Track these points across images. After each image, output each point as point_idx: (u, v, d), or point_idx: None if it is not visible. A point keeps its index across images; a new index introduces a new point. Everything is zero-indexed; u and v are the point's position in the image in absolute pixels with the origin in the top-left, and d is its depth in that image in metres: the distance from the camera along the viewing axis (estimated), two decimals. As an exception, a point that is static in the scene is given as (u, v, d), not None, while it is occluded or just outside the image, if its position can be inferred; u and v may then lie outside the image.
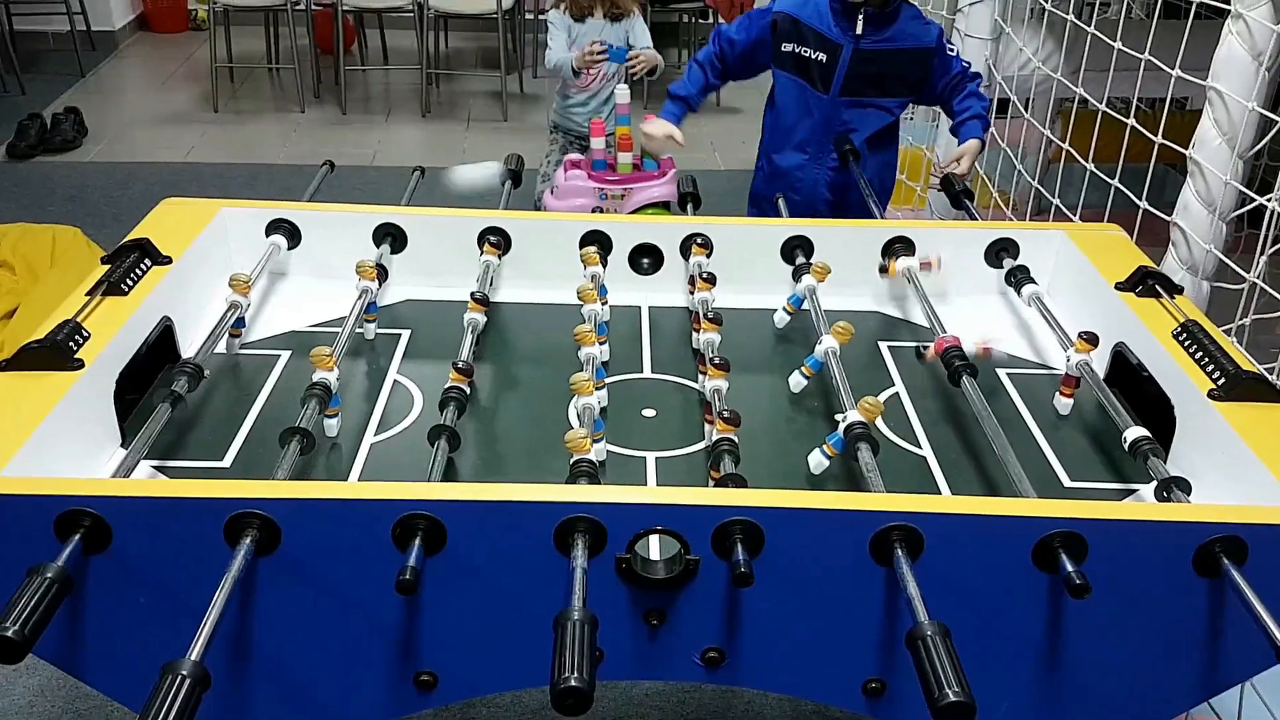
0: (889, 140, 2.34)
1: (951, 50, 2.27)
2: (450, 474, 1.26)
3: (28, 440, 1.13)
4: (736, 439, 1.24)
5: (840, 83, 2.19)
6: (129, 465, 1.18)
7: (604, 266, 1.66)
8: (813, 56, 2.19)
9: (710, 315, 1.49)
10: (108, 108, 5.23)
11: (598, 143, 3.37)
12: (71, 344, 1.27)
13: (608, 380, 1.48)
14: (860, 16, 2.13)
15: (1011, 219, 2.60)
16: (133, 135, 4.91)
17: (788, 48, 2.21)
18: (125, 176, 4.40)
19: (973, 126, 2.23)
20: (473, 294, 1.54)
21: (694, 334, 1.56)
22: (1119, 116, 2.09)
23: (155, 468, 1.28)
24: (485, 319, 1.54)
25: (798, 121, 2.26)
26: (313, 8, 5.39)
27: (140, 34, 6.44)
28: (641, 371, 1.55)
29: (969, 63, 2.32)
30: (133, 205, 3.96)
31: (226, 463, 1.31)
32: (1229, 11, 1.75)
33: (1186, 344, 1.39)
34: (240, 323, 1.52)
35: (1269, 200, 1.69)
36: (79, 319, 1.32)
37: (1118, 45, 2.08)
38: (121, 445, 1.31)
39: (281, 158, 4.68)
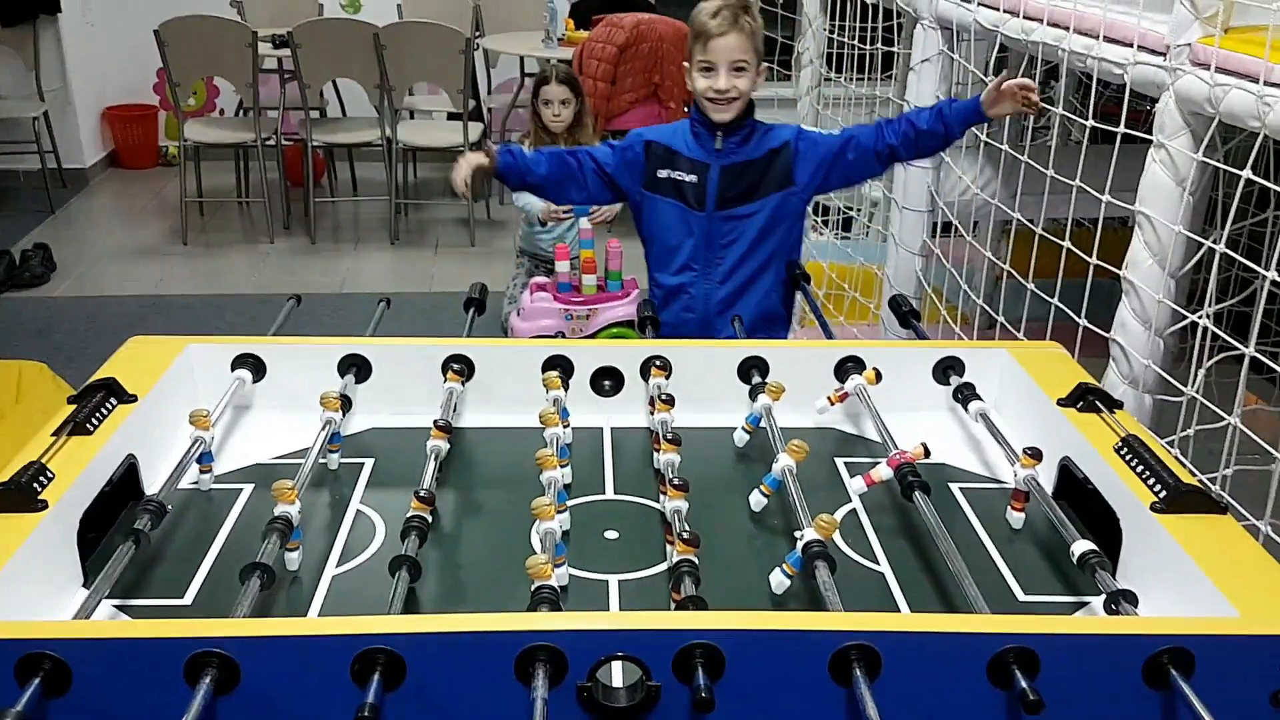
0: (784, 240, 2.36)
1: (817, 131, 2.36)
2: (411, 604, 1.27)
3: (-11, 583, 1.14)
4: (697, 560, 1.26)
5: (714, 199, 2.30)
6: (90, 606, 1.18)
7: (566, 390, 1.69)
8: (685, 179, 2.31)
9: (669, 436, 1.52)
10: (77, 243, 5.29)
11: (562, 266, 3.46)
12: (36, 485, 1.28)
13: (570, 503, 1.50)
14: (719, 134, 2.26)
15: (961, 336, 2.68)
16: (101, 270, 4.96)
17: (663, 173, 2.32)
18: (93, 310, 4.44)
19: (950, 105, 2.27)
20: (435, 421, 1.57)
21: (655, 454, 1.59)
22: (1052, 238, 2.19)
23: (117, 607, 1.27)
24: (449, 445, 1.56)
25: (681, 241, 2.35)
26: (283, 143, 5.53)
27: (111, 170, 6.55)
28: (604, 493, 1.57)
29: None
30: (100, 339, 3.98)
31: (188, 600, 1.30)
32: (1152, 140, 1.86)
33: (1128, 458, 1.43)
34: (207, 458, 1.54)
35: (1200, 316, 1.77)
36: (44, 460, 1.33)
37: (1050, 173, 2.19)
38: (84, 585, 1.31)
39: (250, 288, 4.74)
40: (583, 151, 2.37)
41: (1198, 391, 1.77)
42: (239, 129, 5.55)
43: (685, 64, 2.29)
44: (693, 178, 2.29)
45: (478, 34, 5.79)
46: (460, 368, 1.73)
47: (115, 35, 6.28)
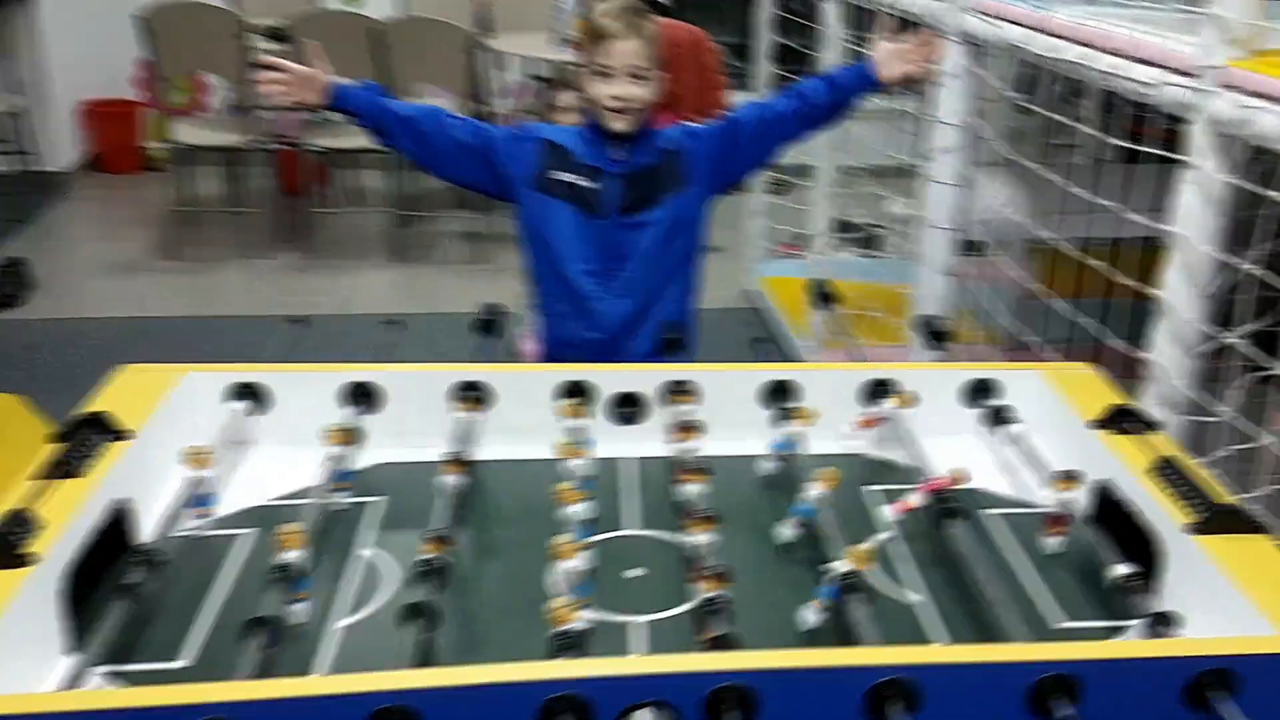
0: (686, 248, 2.28)
1: (701, 126, 2.26)
2: (428, 655, 1.20)
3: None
4: (727, 595, 1.21)
5: (611, 205, 2.18)
6: (79, 673, 1.11)
7: (585, 418, 1.63)
8: (581, 183, 2.18)
9: (695, 466, 1.47)
10: (55, 257, 4.98)
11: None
12: (15, 538, 1.20)
13: (593, 539, 1.43)
14: (616, 142, 2.16)
15: (994, 357, 2.65)
16: (82, 288, 4.69)
17: (556, 175, 2.19)
18: (72, 334, 4.19)
19: (840, 74, 2.22)
20: (449, 454, 1.50)
21: (678, 485, 1.53)
22: (1083, 258, 2.15)
23: (111, 673, 1.18)
24: (465, 480, 1.49)
25: (578, 251, 2.21)
26: (278, 148, 5.33)
27: (90, 175, 6.08)
28: (629, 527, 1.51)
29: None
30: (82, 366, 3.82)
31: (187, 661, 1.23)
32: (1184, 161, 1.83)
33: (1165, 479, 1.40)
34: (210, 499, 1.46)
35: (1233, 337, 1.73)
36: (25, 508, 1.25)
37: (1080, 192, 2.16)
38: (72, 649, 1.22)
39: (245, 308, 4.59)
40: (472, 122, 2.22)
41: (1237, 412, 1.73)
42: (232, 129, 5.30)
43: (580, 66, 2.16)
44: (588, 183, 2.16)
45: (489, 34, 5.66)
46: (475, 395, 1.66)
47: (90, 22, 5.67)
